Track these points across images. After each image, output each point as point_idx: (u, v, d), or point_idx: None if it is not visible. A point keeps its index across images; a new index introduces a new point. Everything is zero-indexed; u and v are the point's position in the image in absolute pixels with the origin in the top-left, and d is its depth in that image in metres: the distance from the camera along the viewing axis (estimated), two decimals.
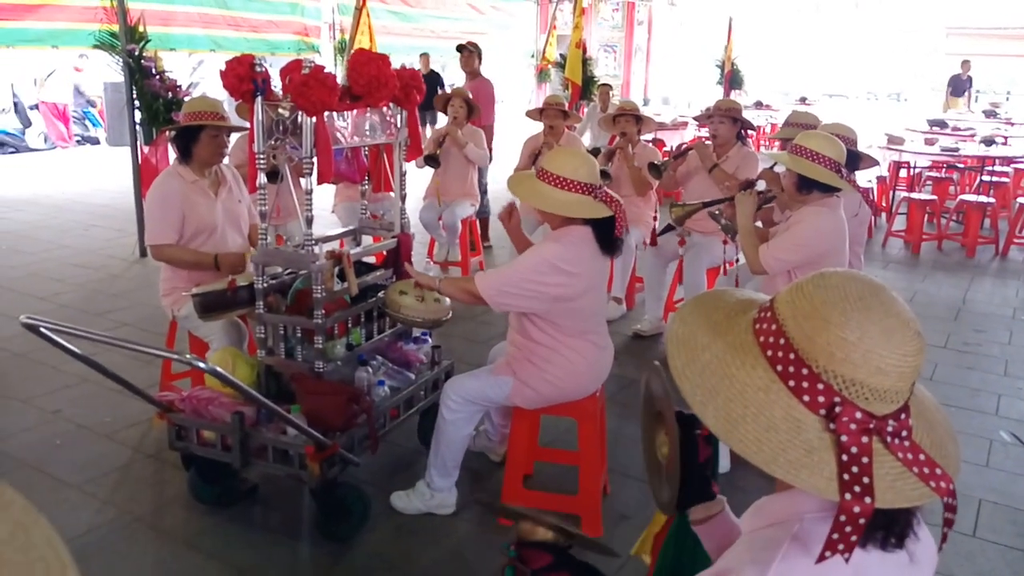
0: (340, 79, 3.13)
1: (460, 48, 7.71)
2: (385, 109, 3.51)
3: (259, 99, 3.05)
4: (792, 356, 1.11)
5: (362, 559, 3.12)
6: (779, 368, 1.12)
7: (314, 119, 3.01)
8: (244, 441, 3.08)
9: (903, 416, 1.10)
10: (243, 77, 3.01)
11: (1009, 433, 4.29)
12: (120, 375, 3.14)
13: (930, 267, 7.84)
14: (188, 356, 2.71)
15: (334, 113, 3.18)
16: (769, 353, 1.14)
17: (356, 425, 3.16)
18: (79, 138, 15.36)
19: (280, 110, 3.12)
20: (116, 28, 6.82)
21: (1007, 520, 3.48)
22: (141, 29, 6.86)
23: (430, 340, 3.86)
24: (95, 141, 15.49)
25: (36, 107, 14.81)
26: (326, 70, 3.01)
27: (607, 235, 3.05)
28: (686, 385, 1.18)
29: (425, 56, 12.75)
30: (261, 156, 3.13)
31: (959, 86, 17.73)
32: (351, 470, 3.27)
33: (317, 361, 3.23)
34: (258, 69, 3.02)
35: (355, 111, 3.30)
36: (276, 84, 3.17)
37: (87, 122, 15.71)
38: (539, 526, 1.59)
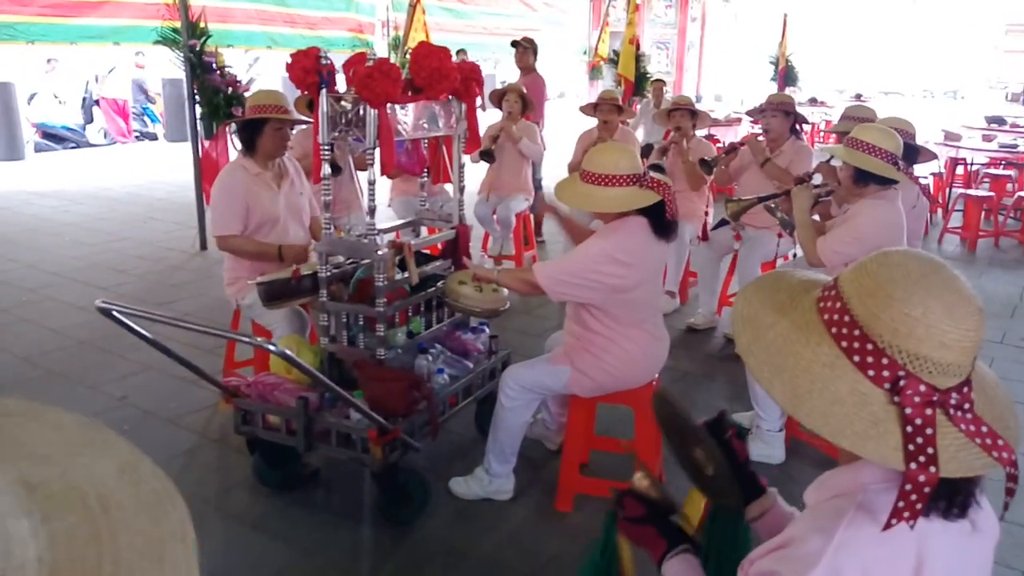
0: None
1: (515, 44, 7.74)
2: (445, 101, 3.57)
3: (323, 91, 3.12)
4: (857, 332, 1.15)
5: (422, 543, 3.18)
6: (844, 344, 1.16)
7: (377, 111, 3.08)
8: (308, 425, 3.15)
9: (965, 390, 1.14)
10: (309, 70, 3.08)
11: None
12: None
13: (987, 264, 7.75)
14: (259, 339, 2.80)
15: (396, 105, 3.24)
16: (834, 330, 1.18)
17: (417, 411, 3.21)
18: (138, 134, 15.72)
19: (343, 103, 3.18)
20: (178, 24, 6.98)
21: None
22: (202, 25, 7.02)
23: (487, 330, 3.91)
24: (153, 137, 15.84)
25: (97, 103, 15.18)
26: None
27: (660, 220, 3.07)
28: (752, 361, 1.23)
29: (462, 52, 12.72)
30: (326, 147, 3.20)
31: None
32: (410, 457, 3.33)
33: (379, 348, 3.29)
34: (323, 62, 3.09)
35: (416, 103, 3.36)
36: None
37: (146, 118, 16.07)
38: (653, 486, 1.65)
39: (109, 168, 12.52)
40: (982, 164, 10.25)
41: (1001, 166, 10.06)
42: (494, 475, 3.37)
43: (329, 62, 3.10)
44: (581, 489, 3.40)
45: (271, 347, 2.63)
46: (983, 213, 8.48)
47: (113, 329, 2.87)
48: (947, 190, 9.59)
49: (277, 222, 4.03)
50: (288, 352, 2.66)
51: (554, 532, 3.25)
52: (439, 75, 3.21)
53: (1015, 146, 9.56)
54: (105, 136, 15.03)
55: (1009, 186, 9.82)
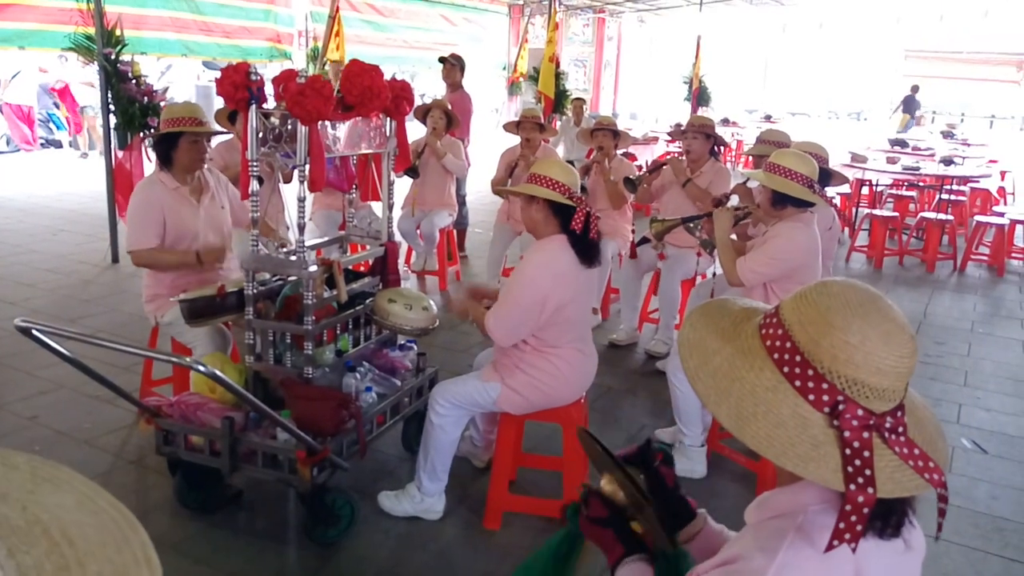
0: None
1: (443, 60, 7.74)
2: (375, 119, 3.56)
3: (253, 107, 3.08)
4: (798, 358, 1.20)
5: (349, 563, 3.14)
6: (786, 370, 1.21)
7: (308, 128, 3.05)
8: (233, 446, 3.09)
9: (899, 414, 1.19)
10: (239, 85, 3.03)
11: (970, 440, 4.45)
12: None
13: (892, 282, 8.05)
14: (188, 359, 2.73)
15: (327, 122, 3.22)
16: (776, 356, 1.23)
17: (345, 430, 3.18)
18: (43, 141, 15.10)
19: (272, 119, 3.15)
20: (92, 31, 6.78)
21: (969, 523, 3.63)
22: (118, 33, 6.82)
23: (415, 347, 3.90)
24: (58, 144, 15.24)
25: None
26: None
27: (582, 242, 3.15)
28: (699, 386, 1.27)
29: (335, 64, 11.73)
30: (254, 163, 3.15)
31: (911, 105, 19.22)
32: (337, 476, 3.29)
33: (306, 367, 3.26)
34: (254, 77, 3.05)
35: (349, 121, 3.34)
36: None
37: (51, 125, 15.45)
38: (620, 489, 1.63)
39: (12, 177, 11.99)
40: (886, 185, 10.71)
41: (904, 187, 10.53)
42: (426, 493, 3.36)
43: (259, 77, 3.06)
44: (510, 507, 3.42)
45: (201, 367, 2.57)
46: (888, 232, 8.84)
47: (22, 346, 2.77)
48: (854, 210, 9.98)
49: (196, 237, 3.94)
50: (218, 373, 2.61)
51: (483, 550, 3.26)
52: (371, 93, 3.20)
53: (917, 168, 10.02)
54: (8, 143, 14.40)
55: (912, 206, 10.28)
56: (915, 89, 19.82)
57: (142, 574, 0.64)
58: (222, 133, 4.44)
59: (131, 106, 6.65)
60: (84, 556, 0.61)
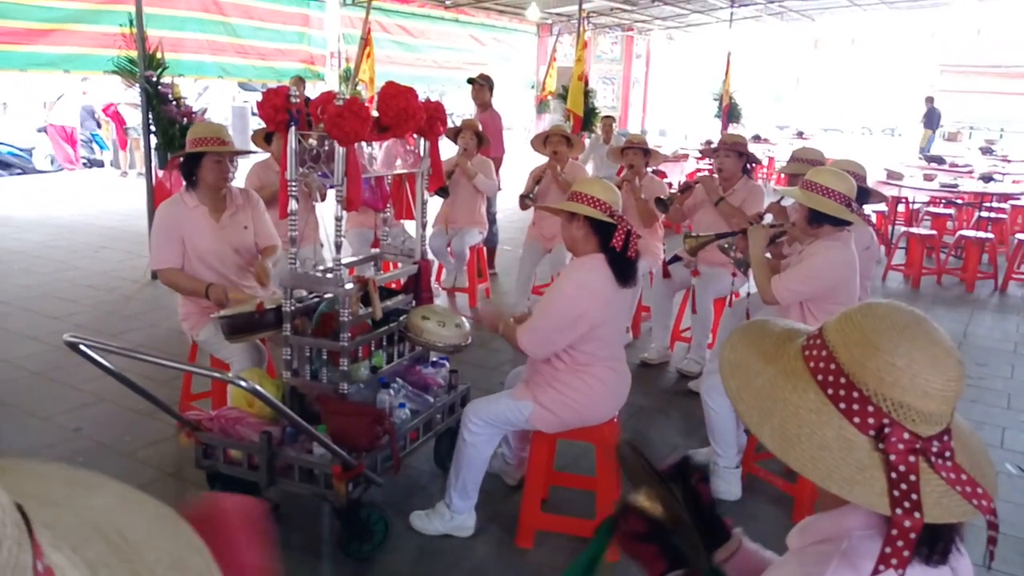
0: None
1: (471, 80, 7.82)
2: (410, 140, 3.62)
3: (292, 129, 3.15)
4: (843, 380, 1.19)
5: None
6: (830, 392, 1.20)
7: (345, 149, 3.11)
8: (271, 460, 3.15)
9: (946, 438, 1.17)
10: (279, 108, 3.11)
11: (1015, 466, 4.35)
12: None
13: (930, 301, 7.91)
14: (230, 375, 2.79)
15: (363, 143, 3.28)
16: (820, 378, 1.22)
17: (379, 446, 3.23)
18: (85, 161, 15.45)
19: (310, 140, 3.22)
20: (134, 54, 6.95)
21: (1016, 551, 3.54)
22: (159, 56, 6.99)
23: (447, 364, 3.94)
24: (101, 164, 15.59)
25: (44, 129, 14.89)
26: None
27: (621, 261, 3.18)
28: (742, 407, 1.26)
29: (297, 79, 10.62)
30: (293, 183, 3.23)
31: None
32: (370, 491, 3.33)
33: (341, 383, 3.31)
34: (293, 100, 3.12)
35: (385, 141, 3.41)
36: None
37: (94, 145, 15.81)
38: (659, 503, 1.58)
39: (57, 195, 12.28)
40: (923, 203, 10.56)
41: (941, 205, 10.38)
42: (456, 511, 3.39)
43: (299, 100, 3.13)
44: (542, 525, 3.43)
45: (242, 383, 2.63)
46: (925, 251, 8.68)
47: (66, 359, 2.84)
48: (890, 228, 9.84)
49: (215, 255, 4.03)
50: (259, 388, 2.66)
51: (515, 568, 3.28)
52: (406, 115, 3.26)
53: (955, 186, 9.86)
54: (52, 163, 14.75)
55: (949, 224, 10.11)
56: (930, 100, 19.37)
57: (195, 559, 0.68)
58: (245, 153, 4.50)
59: (171, 127, 6.82)
60: (141, 548, 0.65)
